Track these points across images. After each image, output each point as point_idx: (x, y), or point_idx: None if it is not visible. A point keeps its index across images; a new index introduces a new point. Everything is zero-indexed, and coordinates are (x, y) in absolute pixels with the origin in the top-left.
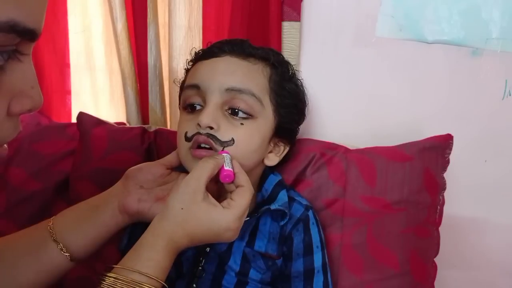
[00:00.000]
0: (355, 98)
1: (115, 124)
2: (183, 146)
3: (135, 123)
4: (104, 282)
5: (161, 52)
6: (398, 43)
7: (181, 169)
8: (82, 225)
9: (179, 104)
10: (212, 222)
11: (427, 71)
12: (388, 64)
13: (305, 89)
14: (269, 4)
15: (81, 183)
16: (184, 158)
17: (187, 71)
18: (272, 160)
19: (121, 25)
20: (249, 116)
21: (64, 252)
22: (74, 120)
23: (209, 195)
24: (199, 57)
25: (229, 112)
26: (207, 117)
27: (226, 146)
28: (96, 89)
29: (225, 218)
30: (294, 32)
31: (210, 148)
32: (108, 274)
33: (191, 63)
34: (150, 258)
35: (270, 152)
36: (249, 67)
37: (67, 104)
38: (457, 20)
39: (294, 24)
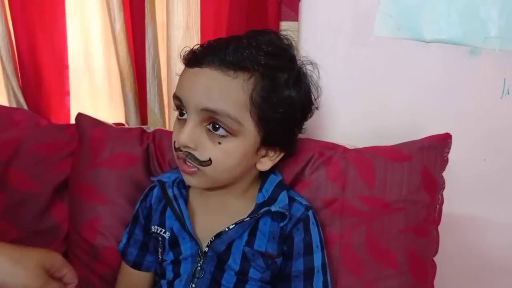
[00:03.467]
0: (354, 98)
1: (113, 125)
2: (174, 152)
3: (133, 123)
4: None
5: (159, 52)
6: (397, 42)
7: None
8: None
9: None
10: None
11: (425, 70)
12: (387, 63)
13: (311, 86)
14: (267, 4)
15: (80, 184)
16: (177, 164)
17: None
18: (265, 164)
19: (119, 26)
20: (228, 133)
21: None
22: (73, 121)
23: None
24: (186, 62)
25: (209, 127)
26: (184, 137)
27: (204, 166)
28: (95, 90)
29: None
30: (292, 32)
31: (187, 162)
32: None
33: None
34: None
35: (264, 156)
36: (227, 84)
37: (66, 105)
38: (455, 19)
39: (292, 24)
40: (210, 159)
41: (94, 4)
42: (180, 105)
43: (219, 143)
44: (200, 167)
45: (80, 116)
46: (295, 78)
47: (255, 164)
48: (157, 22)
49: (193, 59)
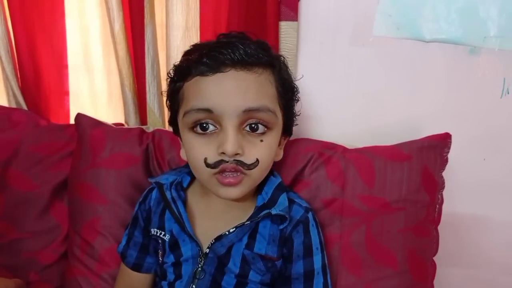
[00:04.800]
0: (353, 97)
1: (113, 125)
2: (205, 171)
3: (133, 123)
4: None
5: (158, 52)
6: (396, 42)
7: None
8: None
9: (174, 118)
10: None
11: (425, 70)
12: (386, 63)
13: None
14: (266, 4)
15: (79, 184)
16: (209, 183)
17: (181, 73)
18: (279, 154)
19: (118, 25)
20: (267, 128)
21: None
22: (72, 121)
23: None
24: (198, 71)
25: (247, 129)
26: (232, 145)
27: (252, 168)
28: (94, 90)
29: None
30: (292, 32)
31: (236, 171)
32: None
33: (182, 73)
34: None
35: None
36: (258, 81)
37: (65, 105)
38: (454, 19)
39: (292, 23)
40: (257, 160)
41: (93, 4)
42: (206, 118)
43: (261, 140)
44: (247, 171)
45: (79, 116)
46: (285, 67)
47: None
48: (156, 22)
49: (209, 67)
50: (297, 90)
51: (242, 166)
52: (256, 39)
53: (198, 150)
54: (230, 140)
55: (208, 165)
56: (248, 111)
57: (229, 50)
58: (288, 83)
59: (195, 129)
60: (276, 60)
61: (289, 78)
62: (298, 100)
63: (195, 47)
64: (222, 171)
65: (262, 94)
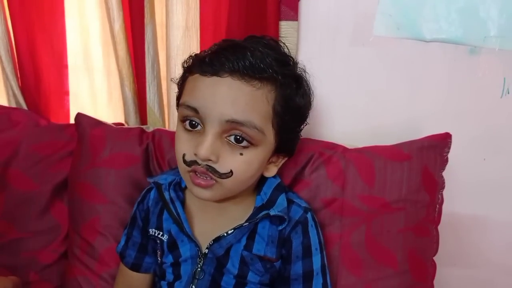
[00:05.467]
0: (353, 97)
1: (113, 125)
2: (182, 166)
3: (133, 123)
4: None
5: (158, 52)
6: (396, 41)
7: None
8: None
9: (177, 107)
10: None
11: (425, 70)
12: (386, 63)
13: (311, 88)
14: (267, 3)
15: (79, 184)
16: (184, 177)
17: (190, 65)
18: (272, 171)
19: (118, 25)
20: (250, 144)
21: None
22: (72, 121)
23: None
24: (201, 70)
25: (230, 139)
26: (205, 150)
27: (224, 178)
28: (94, 90)
29: None
30: (292, 32)
31: (207, 175)
32: None
33: (189, 66)
34: None
35: (270, 163)
36: (252, 94)
37: (65, 105)
38: (455, 18)
39: (292, 23)
40: (231, 171)
41: (93, 4)
42: (193, 116)
43: (241, 154)
44: (219, 179)
45: (79, 116)
46: (302, 85)
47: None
48: (156, 22)
49: (209, 68)
50: (304, 114)
51: (212, 173)
52: (282, 52)
53: (181, 144)
54: (204, 145)
55: (184, 162)
56: (232, 122)
57: (234, 57)
58: (294, 105)
59: (184, 123)
60: (284, 79)
61: (297, 100)
62: (306, 124)
63: (218, 43)
64: (194, 171)
65: (252, 109)
